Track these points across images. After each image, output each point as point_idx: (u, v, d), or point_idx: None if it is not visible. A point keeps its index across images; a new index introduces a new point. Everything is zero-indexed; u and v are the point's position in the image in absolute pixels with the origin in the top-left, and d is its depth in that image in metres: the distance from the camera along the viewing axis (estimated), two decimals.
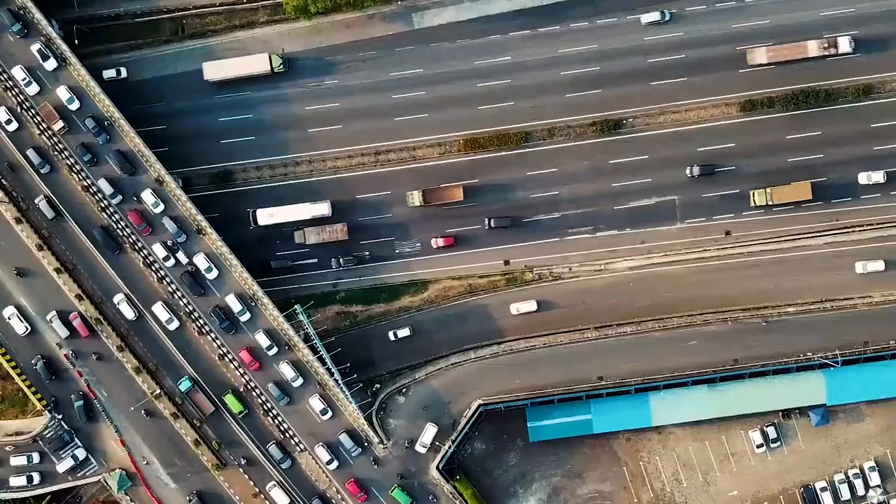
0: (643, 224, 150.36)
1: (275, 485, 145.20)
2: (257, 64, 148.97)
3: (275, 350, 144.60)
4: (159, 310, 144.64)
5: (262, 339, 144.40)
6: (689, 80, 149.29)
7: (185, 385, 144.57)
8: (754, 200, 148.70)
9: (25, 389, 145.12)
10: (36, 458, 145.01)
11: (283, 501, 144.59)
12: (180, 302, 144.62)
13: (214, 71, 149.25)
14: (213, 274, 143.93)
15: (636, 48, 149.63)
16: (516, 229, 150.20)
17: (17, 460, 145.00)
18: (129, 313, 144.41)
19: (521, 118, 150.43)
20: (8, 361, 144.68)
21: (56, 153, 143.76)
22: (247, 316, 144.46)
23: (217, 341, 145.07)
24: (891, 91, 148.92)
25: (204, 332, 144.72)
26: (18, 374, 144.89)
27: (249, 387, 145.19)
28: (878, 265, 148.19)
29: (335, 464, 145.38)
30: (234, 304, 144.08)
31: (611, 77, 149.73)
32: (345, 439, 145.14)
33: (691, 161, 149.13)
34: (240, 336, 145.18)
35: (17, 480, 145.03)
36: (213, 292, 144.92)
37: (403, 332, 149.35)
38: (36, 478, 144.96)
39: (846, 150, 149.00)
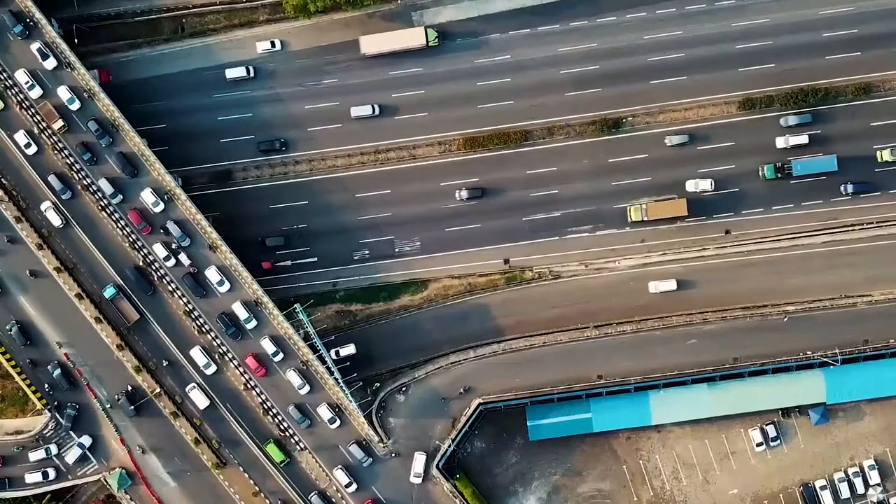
0: (643, 223, 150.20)
1: (194, 387, 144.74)
2: (413, 38, 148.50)
3: (280, 356, 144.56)
4: (197, 355, 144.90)
5: (268, 346, 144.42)
6: (688, 78, 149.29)
7: (109, 292, 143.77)
8: (630, 216, 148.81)
9: (25, 388, 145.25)
10: (54, 449, 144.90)
11: (202, 403, 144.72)
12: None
13: (371, 45, 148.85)
14: (225, 287, 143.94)
15: (636, 47, 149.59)
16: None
17: (36, 455, 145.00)
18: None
19: (521, 117, 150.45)
20: (8, 360, 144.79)
21: (56, 152, 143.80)
22: (253, 323, 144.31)
23: (216, 340, 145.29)
24: (890, 90, 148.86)
25: (204, 330, 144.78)
26: (19, 373, 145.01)
27: (249, 385, 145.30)
28: (671, 285, 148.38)
29: (354, 486, 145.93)
30: (241, 312, 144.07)
31: (611, 76, 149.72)
32: (355, 450, 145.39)
33: (694, 160, 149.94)
34: (245, 342, 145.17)
35: (33, 477, 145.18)
36: (215, 296, 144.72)
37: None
38: (52, 473, 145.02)
39: (845, 149, 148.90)
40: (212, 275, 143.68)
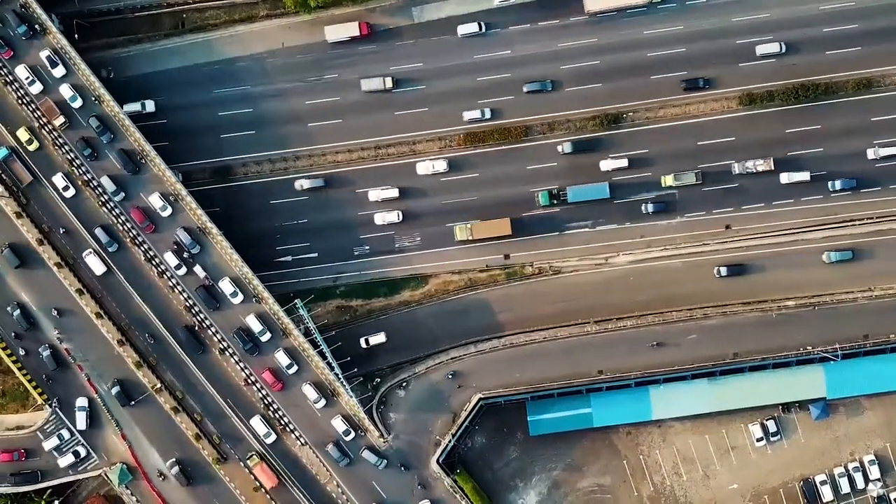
0: (643, 218, 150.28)
1: (91, 253, 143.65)
2: None
3: (295, 368, 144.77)
4: (257, 424, 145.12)
5: (283, 359, 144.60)
6: (689, 73, 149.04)
7: (2, 153, 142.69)
8: (456, 235, 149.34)
9: (26, 384, 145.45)
10: (66, 434, 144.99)
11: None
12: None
13: (596, 2, 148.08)
14: (239, 298, 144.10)
15: (636, 42, 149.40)
16: None
17: (49, 443, 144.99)
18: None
19: (522, 112, 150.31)
20: (9, 356, 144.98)
21: (56, 148, 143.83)
22: (267, 336, 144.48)
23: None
24: (891, 85, 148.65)
25: (203, 326, 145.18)
26: (19, 369, 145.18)
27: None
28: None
29: None
30: (255, 325, 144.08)
31: (611, 71, 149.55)
32: (368, 456, 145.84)
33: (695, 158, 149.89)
34: (262, 358, 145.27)
35: (66, 459, 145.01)
36: (230, 308, 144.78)
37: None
38: (82, 451, 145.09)
39: (845, 144, 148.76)
40: (225, 286, 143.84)
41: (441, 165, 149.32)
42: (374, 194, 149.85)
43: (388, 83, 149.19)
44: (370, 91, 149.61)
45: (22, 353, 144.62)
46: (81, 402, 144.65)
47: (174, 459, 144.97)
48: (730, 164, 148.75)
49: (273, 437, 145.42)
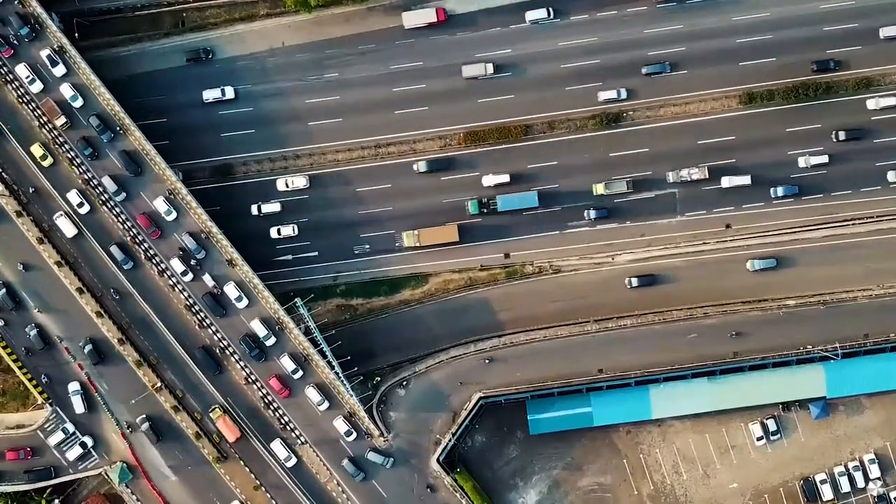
0: (643, 217, 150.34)
1: (62, 215, 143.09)
2: None
3: (300, 373, 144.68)
4: (277, 447, 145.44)
5: (288, 364, 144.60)
6: (689, 72, 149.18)
7: None
8: (405, 242, 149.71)
9: (26, 382, 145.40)
10: (70, 428, 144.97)
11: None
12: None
13: None
14: (244, 303, 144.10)
15: (636, 41, 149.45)
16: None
17: (53, 439, 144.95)
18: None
19: (522, 111, 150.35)
20: (9, 355, 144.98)
21: (56, 146, 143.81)
22: (272, 340, 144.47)
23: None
24: (891, 84, 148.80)
25: (203, 324, 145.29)
26: (20, 367, 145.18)
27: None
28: None
29: None
30: (260, 330, 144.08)
31: (611, 69, 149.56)
32: (373, 456, 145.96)
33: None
34: (268, 364, 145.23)
35: (73, 452, 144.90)
36: (236, 314, 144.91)
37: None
38: (89, 441, 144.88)
39: (846, 143, 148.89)
40: (230, 291, 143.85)
41: (300, 181, 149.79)
42: (267, 208, 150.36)
43: (490, 69, 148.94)
44: (471, 77, 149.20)
45: (3, 325, 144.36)
46: (74, 386, 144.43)
47: (144, 416, 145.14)
48: (665, 172, 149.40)
49: (294, 461, 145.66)
